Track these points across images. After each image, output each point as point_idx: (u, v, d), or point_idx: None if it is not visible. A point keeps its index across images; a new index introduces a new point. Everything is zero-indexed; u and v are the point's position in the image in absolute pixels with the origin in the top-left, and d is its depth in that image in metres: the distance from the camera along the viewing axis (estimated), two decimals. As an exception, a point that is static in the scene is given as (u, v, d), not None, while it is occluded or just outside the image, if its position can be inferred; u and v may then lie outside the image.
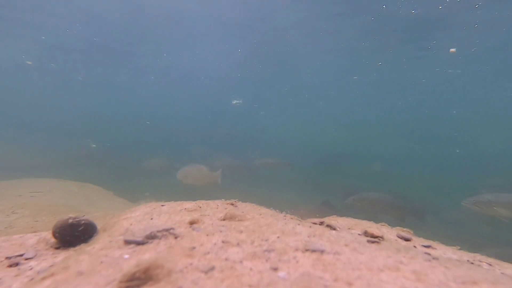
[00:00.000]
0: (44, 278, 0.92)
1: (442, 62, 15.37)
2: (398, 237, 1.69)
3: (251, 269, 0.91)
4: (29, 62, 20.01)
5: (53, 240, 1.39)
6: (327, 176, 13.53)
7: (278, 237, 1.21)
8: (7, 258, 1.22)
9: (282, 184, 11.96)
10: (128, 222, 1.44)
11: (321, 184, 12.24)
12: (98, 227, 1.46)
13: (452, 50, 12.66)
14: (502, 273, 1.23)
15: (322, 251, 1.07)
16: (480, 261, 1.41)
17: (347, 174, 14.43)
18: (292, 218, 1.69)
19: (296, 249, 1.08)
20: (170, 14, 12.10)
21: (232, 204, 1.93)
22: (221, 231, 1.27)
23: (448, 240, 2.05)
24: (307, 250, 1.08)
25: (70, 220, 1.34)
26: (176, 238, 1.19)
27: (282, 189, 11.37)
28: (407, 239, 1.66)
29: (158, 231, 1.23)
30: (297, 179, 13.14)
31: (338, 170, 15.05)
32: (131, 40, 15.24)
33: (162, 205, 1.79)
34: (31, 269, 1.13)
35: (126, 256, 1.03)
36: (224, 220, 1.49)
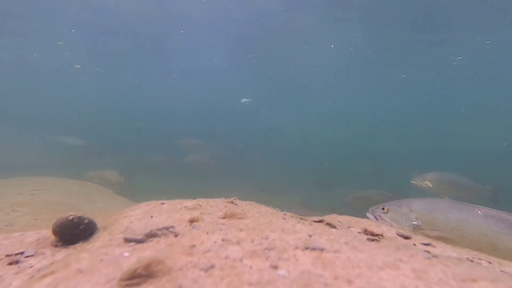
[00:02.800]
0: (44, 276, 0.92)
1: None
2: (398, 235, 1.70)
3: (251, 267, 0.91)
4: (78, 66, 19.80)
5: (53, 238, 1.39)
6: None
7: (278, 235, 1.21)
8: (7, 256, 1.22)
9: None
10: (128, 220, 1.44)
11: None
12: (98, 225, 1.46)
13: None
14: (501, 271, 1.23)
15: (322, 249, 1.07)
16: (480, 259, 1.41)
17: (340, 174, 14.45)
18: (292, 217, 1.69)
19: (296, 247, 1.08)
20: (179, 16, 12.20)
21: (232, 203, 1.93)
22: (221, 229, 1.27)
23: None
24: (307, 248, 1.08)
25: (70, 218, 1.34)
26: (176, 236, 1.19)
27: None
28: (406, 237, 1.66)
29: (158, 229, 1.23)
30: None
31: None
32: (157, 41, 15.29)
33: (162, 204, 1.79)
34: (31, 267, 1.13)
35: (126, 254, 1.03)
36: (224, 218, 1.49)
